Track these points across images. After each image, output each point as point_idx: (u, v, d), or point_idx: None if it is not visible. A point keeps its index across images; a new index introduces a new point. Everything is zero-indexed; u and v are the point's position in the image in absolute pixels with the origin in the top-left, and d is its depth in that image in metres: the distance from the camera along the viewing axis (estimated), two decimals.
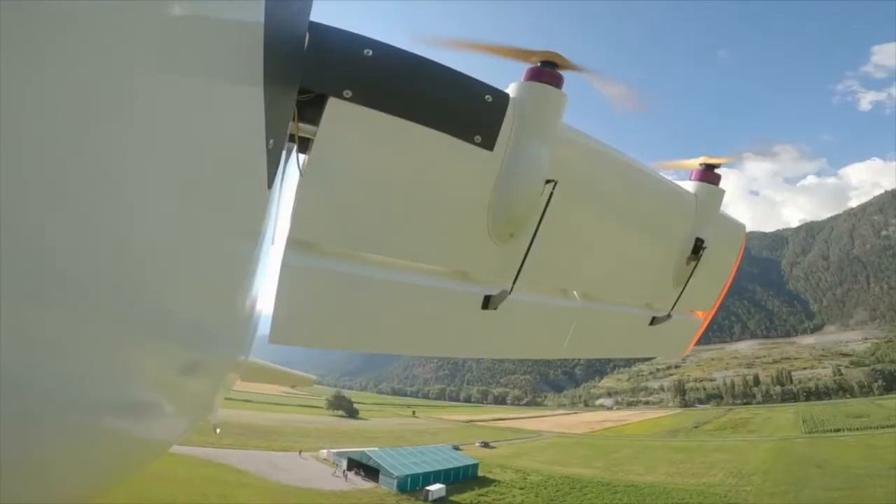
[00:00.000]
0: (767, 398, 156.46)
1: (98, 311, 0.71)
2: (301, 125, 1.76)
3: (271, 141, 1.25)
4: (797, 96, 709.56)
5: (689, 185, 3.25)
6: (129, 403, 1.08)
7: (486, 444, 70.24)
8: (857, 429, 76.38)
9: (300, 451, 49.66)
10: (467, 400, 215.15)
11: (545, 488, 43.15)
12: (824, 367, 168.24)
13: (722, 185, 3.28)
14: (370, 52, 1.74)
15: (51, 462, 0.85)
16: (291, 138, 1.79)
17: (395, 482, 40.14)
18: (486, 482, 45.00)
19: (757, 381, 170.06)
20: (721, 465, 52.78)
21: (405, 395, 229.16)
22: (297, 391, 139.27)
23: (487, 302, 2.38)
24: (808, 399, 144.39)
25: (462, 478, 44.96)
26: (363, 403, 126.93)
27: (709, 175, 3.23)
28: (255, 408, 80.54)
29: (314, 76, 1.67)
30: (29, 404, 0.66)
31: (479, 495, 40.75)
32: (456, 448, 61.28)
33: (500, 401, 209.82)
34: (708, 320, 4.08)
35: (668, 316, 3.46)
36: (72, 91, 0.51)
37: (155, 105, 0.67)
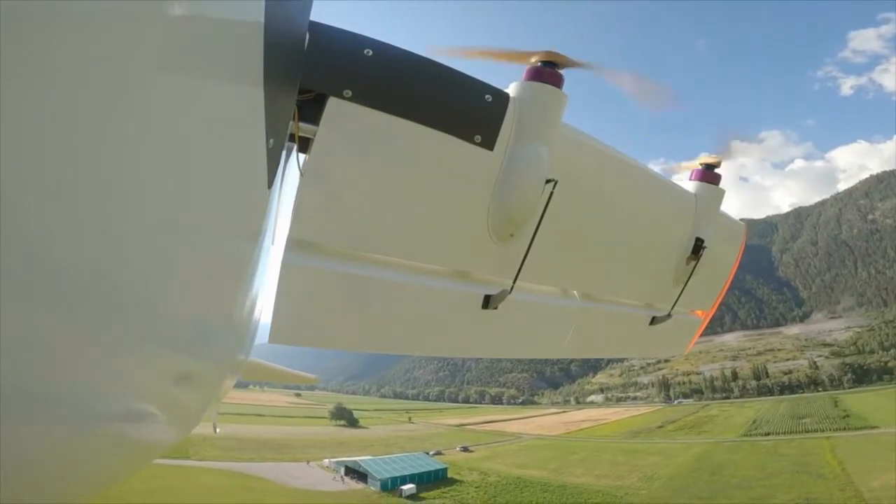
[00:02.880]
0: (744, 392, 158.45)
1: (98, 312, 0.71)
2: (301, 125, 1.76)
3: (271, 141, 1.25)
4: (778, 84, 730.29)
5: (690, 186, 3.26)
6: (133, 402, 1.10)
7: (465, 449, 79.47)
8: (783, 432, 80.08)
9: (308, 461, 61.21)
10: (466, 400, 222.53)
11: (495, 487, 54.07)
12: (806, 359, 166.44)
13: None
14: (370, 52, 1.75)
15: (53, 461, 0.85)
16: (291, 138, 1.78)
17: (379, 483, 52.07)
18: (452, 482, 56.30)
19: (735, 376, 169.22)
20: (646, 468, 60.05)
21: (406, 397, 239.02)
22: (303, 401, 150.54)
23: (487, 301, 2.37)
24: (781, 393, 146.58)
25: (433, 479, 56.36)
26: (364, 410, 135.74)
27: (709, 175, 3.25)
28: (268, 422, 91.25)
29: (314, 76, 1.67)
30: (27, 404, 0.66)
31: (443, 492, 52.31)
32: (438, 453, 72.22)
33: (496, 401, 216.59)
34: (708, 319, 4.08)
35: (669, 315, 3.45)
36: (70, 91, 0.51)
37: (154, 105, 0.67)
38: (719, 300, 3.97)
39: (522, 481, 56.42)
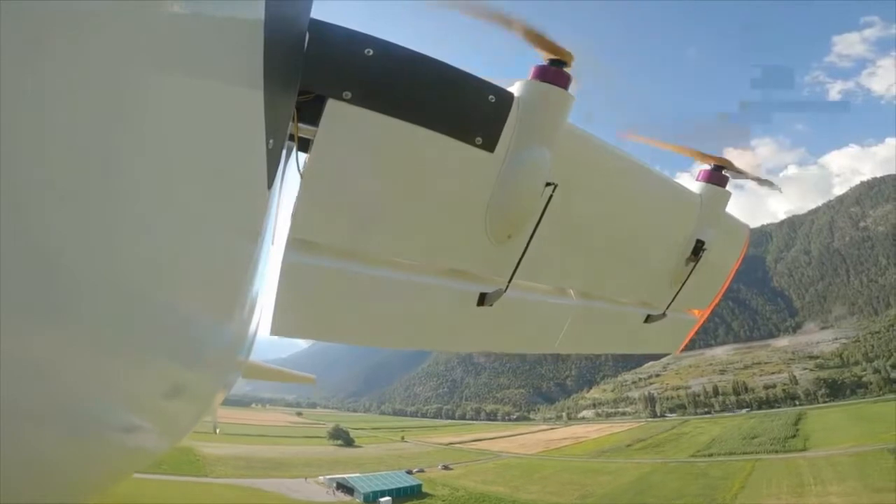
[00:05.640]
0: (724, 407, 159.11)
1: (98, 312, 0.71)
2: (301, 125, 1.76)
3: (271, 141, 1.25)
4: (766, 90, 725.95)
5: (695, 186, 3.22)
6: (134, 403, 1.10)
7: (445, 467, 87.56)
8: (723, 454, 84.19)
9: (306, 478, 72.23)
10: (462, 417, 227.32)
11: (459, 501, 64.69)
12: (791, 372, 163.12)
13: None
14: (371, 52, 1.72)
15: (56, 460, 0.85)
16: (291, 138, 1.78)
17: (363, 497, 63.84)
18: (424, 496, 67.18)
19: (717, 391, 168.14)
20: (589, 487, 69.11)
21: (405, 414, 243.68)
22: (304, 420, 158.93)
23: (483, 299, 2.39)
24: (759, 408, 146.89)
25: (409, 494, 67.53)
26: (361, 430, 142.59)
27: (715, 176, 3.20)
28: (271, 442, 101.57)
29: (314, 76, 1.66)
30: (29, 403, 0.66)
31: None
32: (421, 471, 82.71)
33: (491, 417, 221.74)
34: (704, 318, 4.08)
35: (664, 314, 3.45)
36: (70, 91, 0.51)
37: (154, 105, 0.67)
38: (717, 300, 3.97)
39: (484, 496, 66.94)
